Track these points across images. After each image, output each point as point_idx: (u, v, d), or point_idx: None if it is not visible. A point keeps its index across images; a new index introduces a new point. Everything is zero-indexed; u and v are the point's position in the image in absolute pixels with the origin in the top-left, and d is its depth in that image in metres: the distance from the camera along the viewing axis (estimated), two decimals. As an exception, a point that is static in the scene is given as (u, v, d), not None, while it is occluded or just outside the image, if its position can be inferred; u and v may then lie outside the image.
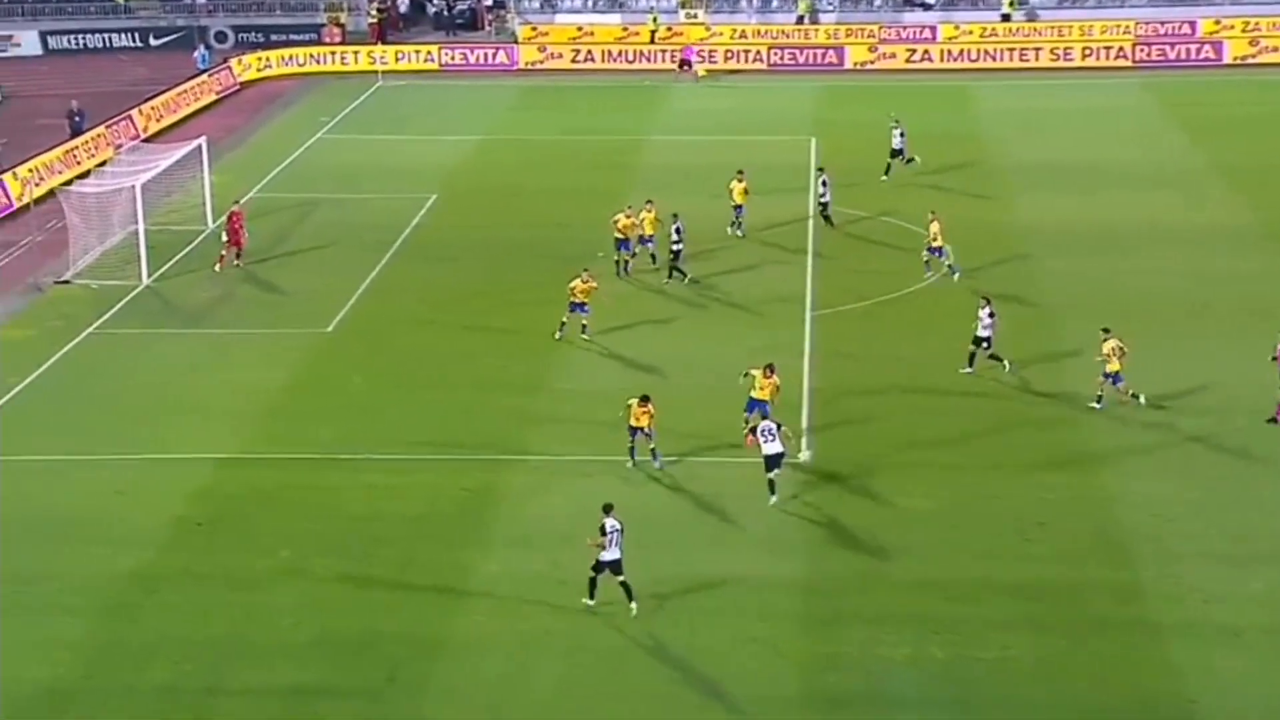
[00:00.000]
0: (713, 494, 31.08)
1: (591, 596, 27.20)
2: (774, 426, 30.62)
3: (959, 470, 32.04)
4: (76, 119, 57.37)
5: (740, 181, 46.74)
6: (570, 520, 29.21)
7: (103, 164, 51.08)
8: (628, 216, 42.59)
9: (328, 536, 29.66)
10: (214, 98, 66.84)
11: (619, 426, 32.56)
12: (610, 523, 27.04)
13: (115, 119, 58.60)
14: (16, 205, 50.67)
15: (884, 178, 50.50)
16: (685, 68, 69.60)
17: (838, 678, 25.40)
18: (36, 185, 50.22)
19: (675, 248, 42.40)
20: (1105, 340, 34.51)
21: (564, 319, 38.58)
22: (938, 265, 42.51)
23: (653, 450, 32.08)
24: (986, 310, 36.20)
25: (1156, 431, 33.46)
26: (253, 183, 53.81)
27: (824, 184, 47.16)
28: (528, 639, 26.37)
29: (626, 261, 42.35)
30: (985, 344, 36.16)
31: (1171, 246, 45.71)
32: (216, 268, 44.76)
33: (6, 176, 51.33)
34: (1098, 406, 34.41)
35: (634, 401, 31.93)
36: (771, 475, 30.42)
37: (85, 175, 50.06)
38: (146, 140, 56.34)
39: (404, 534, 29.70)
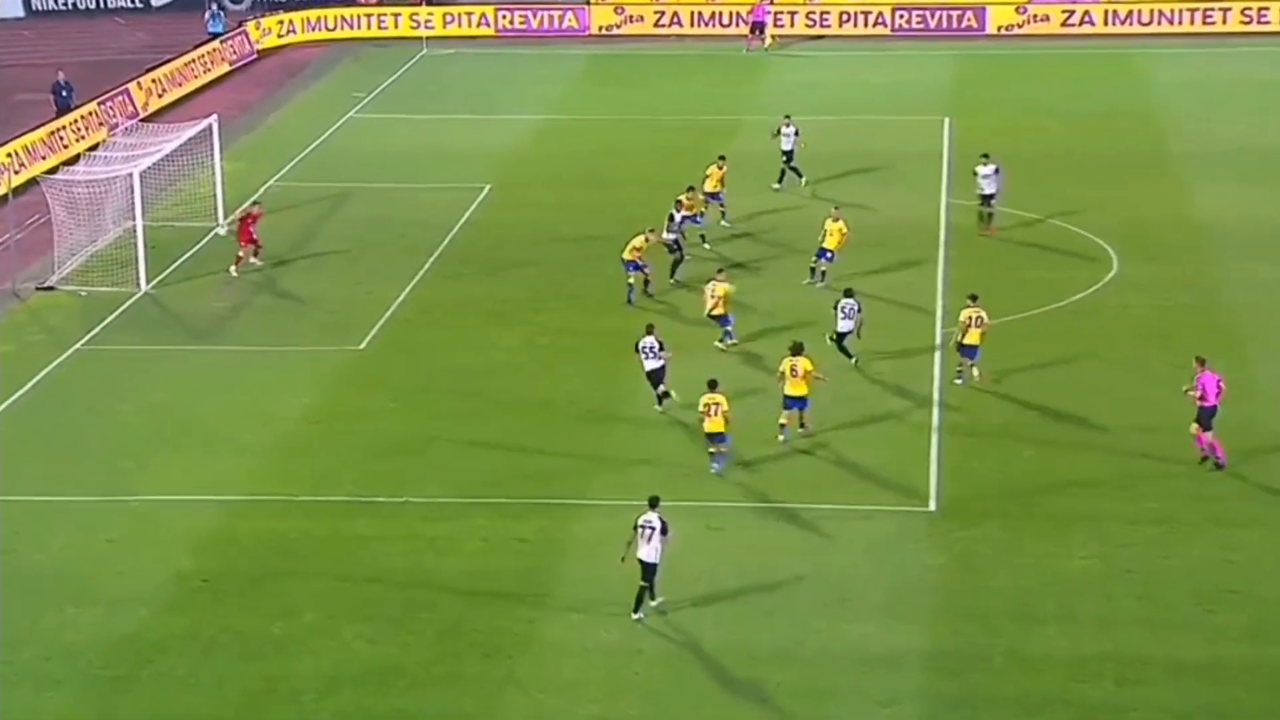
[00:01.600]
0: (825, 548, 30.98)
1: (637, 609, 28.35)
2: (655, 344, 35.50)
3: (1124, 523, 31.72)
4: (63, 93, 58.20)
5: (721, 169, 46.86)
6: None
7: (94, 148, 51.69)
8: (645, 239, 42.22)
9: (358, 596, 29.80)
10: (227, 69, 67.58)
11: (706, 458, 32.48)
12: (646, 517, 28.23)
13: (110, 94, 59.37)
14: (-8, 196, 51.40)
15: (776, 185, 50.03)
16: (756, 33, 69.55)
17: (975, 775, 25.25)
18: (16, 173, 50.87)
19: (671, 238, 43.19)
20: (966, 308, 36.19)
21: (726, 329, 39.20)
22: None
23: (720, 454, 33.19)
24: (849, 304, 37.45)
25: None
26: (272, 170, 54.30)
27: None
28: (597, 723, 26.38)
29: (646, 281, 42.29)
30: (841, 338, 37.61)
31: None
32: (233, 270, 45.21)
33: (-19, 162, 52.10)
34: (959, 383, 36.63)
35: (708, 398, 32.96)
36: (659, 390, 35.43)
37: (74, 161, 50.64)
38: (146, 119, 57.00)
39: (449, 594, 29.79)
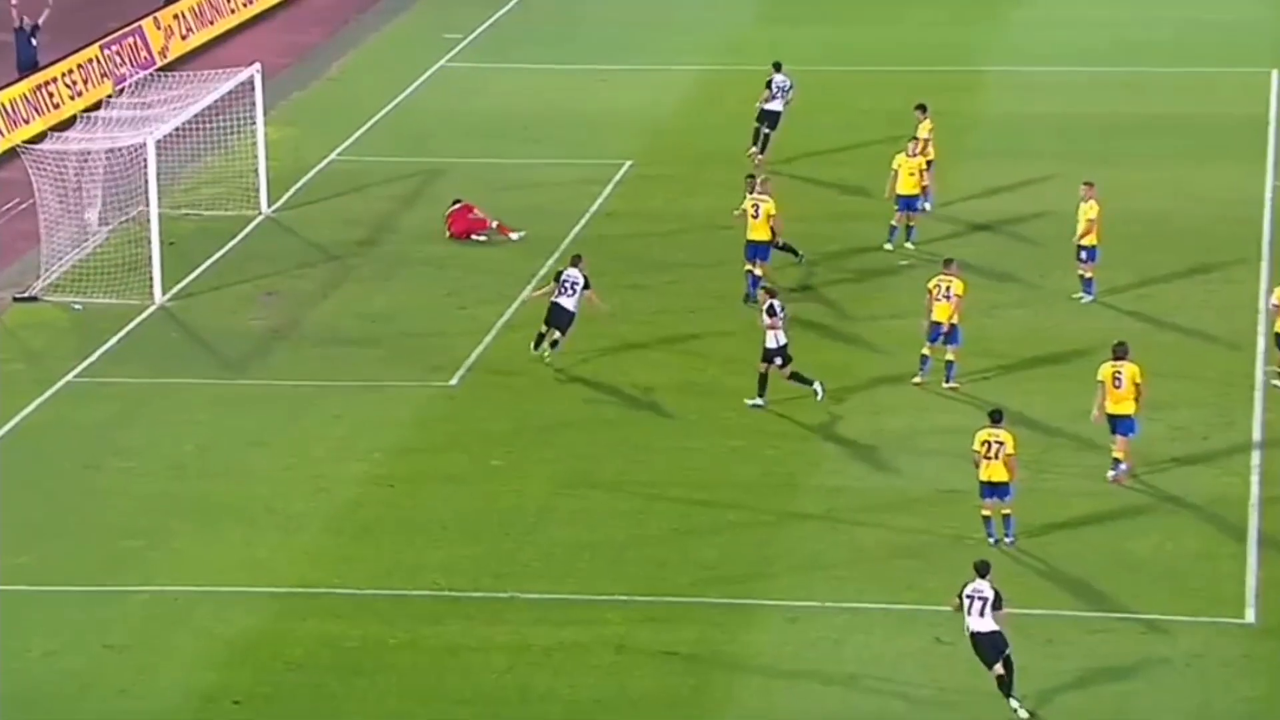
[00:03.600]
0: (1103, 671, 30.71)
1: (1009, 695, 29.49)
2: (580, 279, 40.16)
3: None
4: (29, 41, 57.01)
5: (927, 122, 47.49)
6: (850, 710, 28.82)
7: (95, 107, 52.33)
8: (756, 195, 42.98)
9: (445, 727, 29.85)
10: (273, 1, 68.26)
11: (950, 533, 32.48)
12: (975, 586, 29.67)
13: (116, 34, 60.04)
14: (-43, 174, 52.22)
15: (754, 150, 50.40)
16: None
17: None
18: (-11, 142, 51.77)
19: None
20: None
21: (925, 350, 39.19)
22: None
23: (1005, 517, 33.93)
24: (767, 306, 38.54)
25: None
26: (335, 139, 54.79)
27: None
28: None
29: (761, 277, 42.61)
30: (778, 359, 38.34)
31: None
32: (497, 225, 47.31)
33: (-57, 127, 52.99)
34: (1278, 384, 38.84)
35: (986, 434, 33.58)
36: (553, 336, 40.53)
37: (67, 125, 51.30)
38: (165, 69, 57.70)
39: (571, 727, 29.77)
